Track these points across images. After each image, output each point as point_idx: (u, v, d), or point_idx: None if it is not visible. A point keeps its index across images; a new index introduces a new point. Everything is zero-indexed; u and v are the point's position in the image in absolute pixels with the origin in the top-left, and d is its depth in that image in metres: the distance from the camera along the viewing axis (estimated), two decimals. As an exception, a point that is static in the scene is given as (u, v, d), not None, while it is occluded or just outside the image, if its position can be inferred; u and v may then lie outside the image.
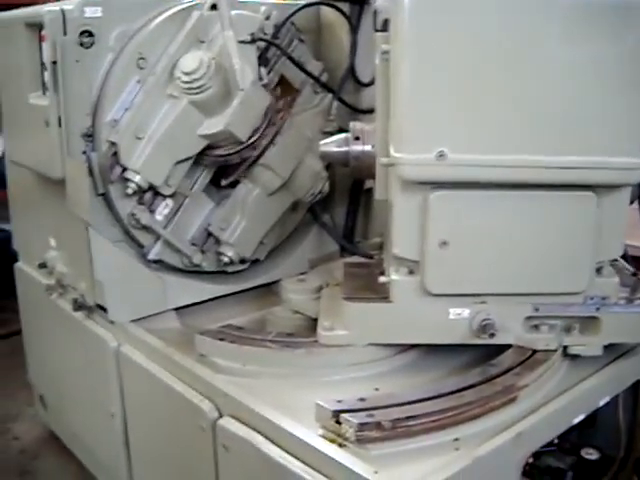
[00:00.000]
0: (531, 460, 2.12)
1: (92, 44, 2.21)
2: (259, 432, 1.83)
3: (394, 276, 1.98)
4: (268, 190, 2.49)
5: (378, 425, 1.68)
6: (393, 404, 1.76)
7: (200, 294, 2.51)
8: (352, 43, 2.62)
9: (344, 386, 1.96)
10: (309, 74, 2.53)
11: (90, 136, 2.25)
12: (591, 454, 2.21)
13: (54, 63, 2.19)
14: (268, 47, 2.42)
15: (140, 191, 2.27)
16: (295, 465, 1.71)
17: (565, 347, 2.05)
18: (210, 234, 2.48)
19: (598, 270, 1.99)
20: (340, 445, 1.69)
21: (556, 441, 2.18)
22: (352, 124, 2.20)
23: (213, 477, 2.00)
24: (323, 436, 1.73)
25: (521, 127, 1.80)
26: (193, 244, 2.46)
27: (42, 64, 2.35)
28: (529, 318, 2.01)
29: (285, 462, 1.73)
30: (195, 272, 2.50)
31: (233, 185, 2.51)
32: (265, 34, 2.39)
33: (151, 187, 2.29)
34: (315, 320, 2.23)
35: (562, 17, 1.72)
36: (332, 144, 2.19)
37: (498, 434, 1.75)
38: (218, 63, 2.23)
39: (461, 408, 1.78)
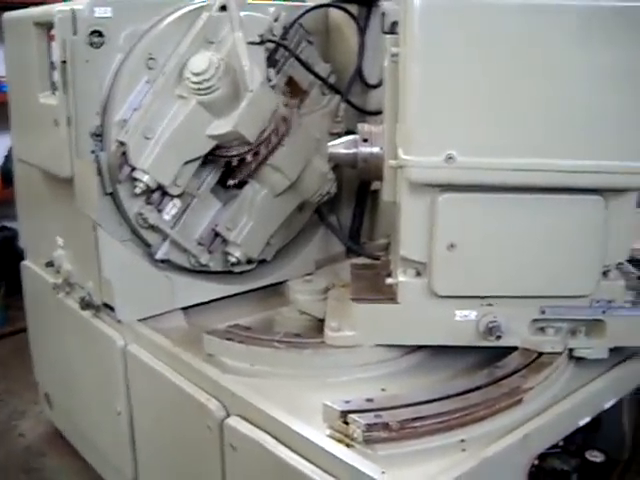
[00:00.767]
0: (536, 462, 2.12)
1: (102, 44, 2.22)
2: (267, 432, 1.84)
3: (401, 278, 1.99)
4: (276, 191, 2.50)
5: (386, 426, 1.69)
6: (400, 405, 1.77)
7: (207, 294, 2.52)
8: (360, 45, 2.63)
9: (351, 387, 1.96)
10: (317, 76, 2.54)
11: (99, 135, 2.27)
12: (596, 456, 2.21)
13: (64, 62, 2.20)
14: (277, 48, 2.43)
15: (148, 191, 2.28)
16: (303, 465, 1.72)
17: (570, 350, 2.05)
18: (217, 234, 2.49)
19: (604, 273, 1.99)
20: (348, 445, 1.70)
21: (561, 443, 2.19)
22: (360, 126, 2.21)
23: (219, 477, 2.00)
24: (331, 436, 1.73)
25: (531, 131, 1.79)
26: (200, 244, 2.46)
27: (51, 64, 2.36)
28: (535, 321, 2.01)
29: (293, 462, 1.73)
30: (202, 272, 2.51)
31: (240, 186, 2.52)
32: (274, 35, 2.40)
33: (159, 187, 2.29)
34: (322, 321, 2.24)
35: (577, 21, 1.72)
36: (340, 146, 2.19)
37: (504, 436, 1.76)
38: (227, 64, 2.24)
39: (468, 409, 1.78)
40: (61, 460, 3.10)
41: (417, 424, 1.72)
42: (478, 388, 1.87)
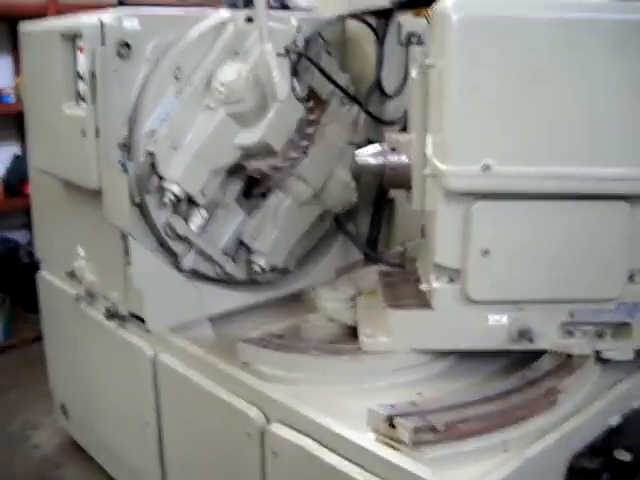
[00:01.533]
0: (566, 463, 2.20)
1: (129, 55, 2.25)
2: (310, 437, 1.88)
3: (435, 284, 2.04)
4: (299, 200, 2.55)
5: (432, 428, 1.74)
6: (444, 408, 1.82)
7: (233, 302, 2.57)
8: (378, 55, 2.67)
9: (387, 391, 2.01)
10: (338, 86, 2.58)
11: (127, 146, 2.30)
12: (624, 455, 2.28)
13: (92, 74, 2.24)
14: (299, 59, 2.48)
15: (176, 201, 2.31)
16: (350, 469, 1.76)
17: (597, 352, 2.12)
18: (242, 243, 2.53)
19: (630, 277, 2.06)
20: (395, 448, 1.75)
21: (589, 444, 2.27)
22: (387, 135, 2.26)
23: (259, 484, 2.06)
24: (377, 440, 1.79)
25: (562, 140, 1.86)
26: (225, 253, 2.51)
27: (77, 74, 2.40)
28: (564, 324, 2.06)
29: (339, 466, 1.78)
30: (227, 281, 2.55)
31: (263, 196, 2.56)
32: (296, 47, 2.45)
33: (187, 197, 2.33)
34: (351, 327, 2.29)
35: (606, 36, 1.79)
36: (370, 156, 2.25)
37: (543, 436, 1.82)
38: (255, 75, 2.29)
39: (508, 411, 1.84)
40: (79, 471, 3.11)
41: (462, 426, 1.77)
42: (515, 390, 1.93)
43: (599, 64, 1.81)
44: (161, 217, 2.35)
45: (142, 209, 2.34)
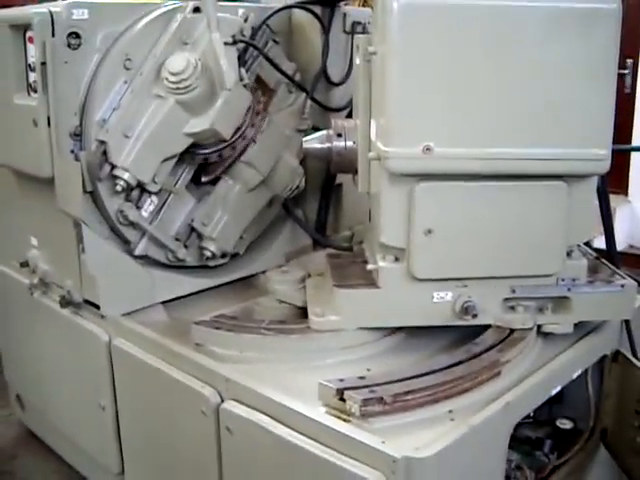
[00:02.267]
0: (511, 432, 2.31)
1: (79, 45, 2.31)
2: (263, 413, 1.95)
3: (381, 263, 2.13)
4: (248, 186, 2.62)
5: (380, 400, 1.83)
6: (391, 381, 1.91)
7: (185, 287, 2.63)
8: (324, 44, 2.76)
9: (337, 368, 2.09)
10: (285, 74, 2.66)
11: (78, 135, 2.35)
12: (565, 424, 2.40)
13: (43, 64, 2.28)
14: (246, 48, 2.54)
15: (128, 188, 2.36)
16: (303, 441, 1.84)
17: (539, 326, 2.23)
18: (193, 229, 2.59)
19: (569, 253, 2.17)
20: (345, 420, 1.83)
21: (532, 414, 2.38)
22: (334, 121, 2.35)
23: (215, 461, 2.11)
24: (328, 413, 1.87)
25: (500, 122, 1.97)
26: (177, 239, 2.57)
27: (27, 65, 2.43)
28: (507, 300, 2.18)
29: (293, 439, 1.86)
30: (179, 267, 2.61)
31: (213, 182, 2.63)
32: (244, 36, 2.52)
33: (138, 184, 2.38)
34: (300, 308, 2.38)
35: (538, 22, 1.91)
36: (315, 141, 2.34)
37: (488, 405, 1.91)
38: (204, 64, 2.35)
39: (453, 382, 1.94)
40: (36, 461, 3.15)
41: (408, 397, 1.86)
42: (460, 363, 2.02)
43: (531, 49, 1.93)
44: (113, 204, 2.41)
45: (94, 197, 2.40)
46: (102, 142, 2.33)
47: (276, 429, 1.91)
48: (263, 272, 2.69)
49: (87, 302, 2.54)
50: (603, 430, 2.48)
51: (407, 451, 1.70)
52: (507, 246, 2.10)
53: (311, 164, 2.77)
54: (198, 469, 2.21)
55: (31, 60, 2.39)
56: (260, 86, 2.66)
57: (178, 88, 2.34)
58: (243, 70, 2.50)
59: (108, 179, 2.36)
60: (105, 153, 2.33)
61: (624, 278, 2.27)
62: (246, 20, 2.53)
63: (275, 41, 2.67)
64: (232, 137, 2.49)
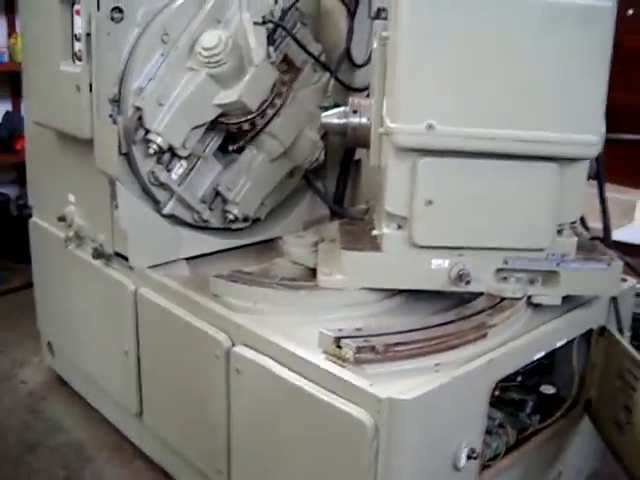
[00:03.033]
0: (498, 393, 2.54)
1: (122, 19, 2.56)
2: (269, 356, 2.22)
3: (385, 230, 2.36)
4: (271, 156, 2.88)
5: (373, 349, 2.06)
6: (385, 333, 2.15)
7: (208, 246, 2.90)
8: (349, 28, 3.01)
9: (339, 323, 2.30)
10: (310, 54, 2.91)
11: (117, 101, 2.62)
12: (548, 389, 2.64)
13: (88, 35, 2.54)
14: (275, 29, 2.80)
15: (160, 152, 2.63)
16: (303, 382, 2.10)
17: (529, 297, 2.44)
18: (218, 193, 2.86)
19: (559, 231, 2.39)
20: (340, 366, 2.07)
21: (520, 379, 2.61)
22: (351, 99, 2.58)
23: (224, 400, 2.37)
24: (326, 358, 2.12)
25: (499, 105, 2.17)
26: (203, 202, 2.84)
27: (73, 35, 2.70)
28: (499, 270, 2.39)
29: (294, 380, 2.12)
30: (203, 227, 2.88)
31: (239, 151, 2.89)
32: (273, 17, 2.77)
33: (169, 148, 2.65)
34: (312, 270, 2.61)
35: (538, 13, 2.11)
36: (333, 116, 2.57)
37: (472, 361, 2.16)
38: (234, 41, 2.61)
39: (441, 339, 2.17)
40: (63, 403, 3.45)
41: (399, 348, 2.10)
42: (450, 322, 2.26)
43: (530, 39, 2.13)
44: (146, 166, 2.67)
45: (129, 158, 2.66)
46: (138, 108, 2.59)
47: (279, 371, 2.16)
48: (281, 237, 2.94)
49: (117, 254, 2.81)
50: (587, 401, 2.70)
51: (392, 393, 1.93)
52: (501, 220, 2.32)
53: (332, 140, 3.02)
54: (208, 408, 2.47)
55: (77, 31, 2.64)
56: (287, 64, 2.92)
57: (210, 62, 2.59)
58: (271, 49, 2.75)
59: (142, 142, 2.63)
60: (140, 118, 2.59)
61: (613, 259, 2.50)
62: (276, 2, 2.78)
63: (303, 23, 2.92)
64: (258, 110, 2.74)
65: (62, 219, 3.04)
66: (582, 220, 2.73)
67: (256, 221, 3.01)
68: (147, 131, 2.61)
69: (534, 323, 2.42)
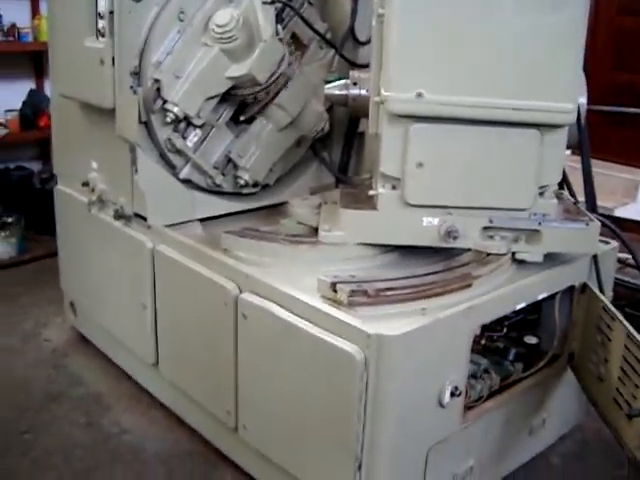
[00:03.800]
0: (484, 342, 2.83)
1: (142, -1, 2.88)
2: (273, 301, 2.52)
3: (380, 190, 2.64)
4: (279, 126, 3.18)
5: (365, 292, 2.36)
6: (376, 280, 2.45)
7: (221, 209, 3.21)
8: (353, 7, 3.28)
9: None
10: (317, 32, 3.21)
11: (137, 74, 2.92)
12: (531, 339, 2.92)
13: (111, 13, 2.85)
14: (283, 8, 3.09)
15: (176, 120, 2.92)
16: (302, 323, 2.40)
17: (513, 253, 2.71)
18: (230, 160, 3.16)
19: (541, 193, 2.66)
20: (336, 307, 2.36)
21: (505, 331, 2.90)
22: (351, 73, 2.89)
23: (232, 344, 2.68)
24: (323, 301, 2.42)
25: (483, 76, 2.45)
26: (216, 167, 3.14)
27: (97, 13, 2.99)
28: (485, 228, 2.65)
29: (295, 321, 2.42)
30: (216, 192, 3.19)
31: (249, 121, 3.19)
32: (281, -3, 3.07)
33: (185, 118, 2.94)
34: (316, 229, 2.88)
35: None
36: (335, 88, 2.88)
37: (455, 306, 2.44)
38: (245, 18, 2.90)
39: (429, 286, 2.46)
40: (85, 358, 3.79)
41: (389, 293, 2.38)
42: (438, 272, 2.55)
43: (511, 15, 2.41)
44: (163, 134, 2.98)
45: (148, 127, 2.97)
46: (157, 80, 2.88)
47: (282, 313, 2.47)
48: (288, 202, 3.22)
49: (137, 215, 3.12)
50: (570, 354, 2.98)
51: (380, 330, 2.23)
52: (486, 182, 2.59)
53: (337, 112, 3.32)
54: (218, 353, 2.78)
55: (100, 9, 2.93)
56: (295, 41, 3.21)
57: (222, 38, 2.88)
58: (280, 26, 3.04)
59: (160, 112, 2.93)
60: (159, 90, 2.89)
61: (592, 219, 2.77)
62: (285, -17, 3.09)
63: (310, 2, 3.23)
64: (267, 82, 3.04)
65: (86, 184, 3.35)
66: (569, 188, 3.02)
67: (265, 186, 3.32)
68: (165, 101, 2.90)
69: (517, 277, 2.69)
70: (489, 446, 2.79)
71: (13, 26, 5.21)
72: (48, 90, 5.37)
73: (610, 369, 2.69)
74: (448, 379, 2.43)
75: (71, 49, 3.18)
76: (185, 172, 3.07)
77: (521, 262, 2.74)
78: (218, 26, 2.88)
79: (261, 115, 3.17)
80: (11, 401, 3.42)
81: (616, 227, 3.01)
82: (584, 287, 2.91)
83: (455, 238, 2.63)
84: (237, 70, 2.95)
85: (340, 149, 3.49)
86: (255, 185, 3.24)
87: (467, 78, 2.47)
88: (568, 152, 2.87)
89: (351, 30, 3.32)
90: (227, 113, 3.12)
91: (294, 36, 3.21)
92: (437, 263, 2.66)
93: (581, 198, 3.05)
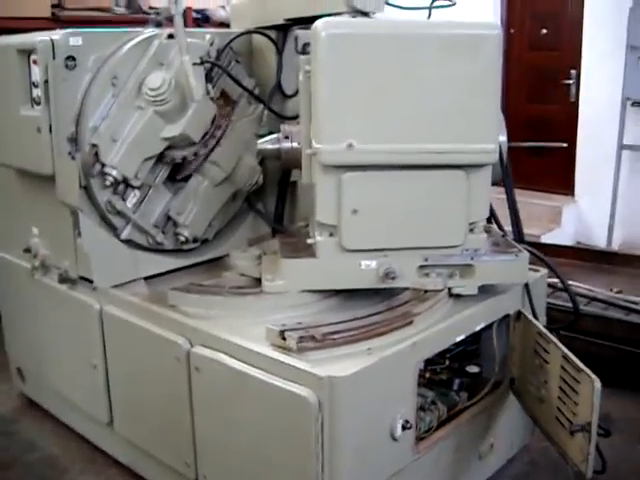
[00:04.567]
0: (428, 375, 2.98)
1: (75, 66, 2.96)
2: (224, 353, 2.63)
3: (318, 238, 2.78)
4: (215, 182, 3.31)
5: (312, 337, 2.49)
6: (322, 324, 2.58)
7: (163, 266, 3.31)
8: (278, 63, 3.43)
9: (284, 322, 2.74)
10: (245, 89, 3.34)
11: (74, 140, 3.01)
12: (473, 368, 3.08)
13: (45, 82, 2.94)
14: (212, 67, 3.23)
15: (116, 183, 3.02)
16: (255, 371, 2.52)
17: (450, 288, 2.88)
18: (169, 218, 3.27)
19: (471, 230, 2.83)
20: (285, 354, 2.49)
21: (447, 363, 3.05)
22: (282, 127, 3.03)
23: (187, 397, 2.78)
24: (272, 349, 2.54)
25: (407, 124, 2.63)
26: (156, 226, 3.24)
27: (31, 82, 3.09)
28: (421, 267, 2.82)
29: (247, 370, 2.54)
30: (158, 250, 3.29)
31: (185, 179, 3.31)
32: (209, 57, 3.19)
33: (124, 180, 3.04)
34: (258, 279, 3.00)
35: (434, 46, 2.59)
36: (267, 142, 3.02)
37: (399, 344, 2.59)
38: (177, 81, 3.03)
39: (372, 326, 2.60)
40: (35, 423, 3.82)
41: (335, 336, 2.52)
42: (379, 313, 2.70)
43: (430, 67, 2.60)
44: (103, 197, 3.07)
45: (87, 190, 3.05)
46: (94, 145, 2.98)
47: (234, 364, 2.59)
48: (229, 254, 3.34)
49: (82, 278, 3.20)
50: (512, 379, 3.15)
51: (330, 372, 2.36)
52: (419, 223, 2.76)
53: (269, 164, 3.45)
54: (173, 407, 2.88)
55: (34, 78, 3.04)
56: (224, 98, 3.34)
57: (156, 101, 3.00)
58: (209, 85, 3.18)
59: (99, 175, 3.02)
60: (97, 154, 2.98)
61: (521, 250, 2.95)
62: (212, 44, 3.21)
63: (237, 61, 3.36)
64: (200, 141, 3.17)
65: (28, 250, 3.42)
66: (496, 221, 3.21)
67: (205, 241, 3.43)
68: (103, 165, 3.00)
69: (455, 311, 2.86)
70: (441, 475, 2.93)
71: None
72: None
73: (550, 390, 2.87)
74: (399, 413, 2.57)
75: (6, 118, 3.26)
76: (126, 233, 3.17)
77: (457, 296, 2.91)
78: (151, 89, 3.01)
79: (197, 172, 3.29)
80: (-39, 472, 3.45)
81: (542, 254, 3.20)
82: (519, 315, 3.09)
83: (393, 278, 2.78)
84: (172, 130, 3.07)
85: (274, 199, 3.62)
86: (195, 240, 3.35)
87: (394, 126, 2.64)
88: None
89: (278, 84, 3.47)
90: (163, 172, 3.23)
91: (223, 93, 3.34)
92: (378, 304, 2.81)
93: (507, 227, 3.25)
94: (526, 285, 3.11)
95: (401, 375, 2.60)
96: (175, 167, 3.28)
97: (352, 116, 2.62)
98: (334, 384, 2.36)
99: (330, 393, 2.36)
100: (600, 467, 2.81)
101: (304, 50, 3.49)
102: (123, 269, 3.18)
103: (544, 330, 2.93)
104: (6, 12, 5.00)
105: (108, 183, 3.01)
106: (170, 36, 3.10)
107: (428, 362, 2.83)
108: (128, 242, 3.20)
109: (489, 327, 3.02)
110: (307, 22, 3.33)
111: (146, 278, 3.25)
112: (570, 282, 3.37)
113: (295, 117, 3.51)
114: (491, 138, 2.71)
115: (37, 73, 3.01)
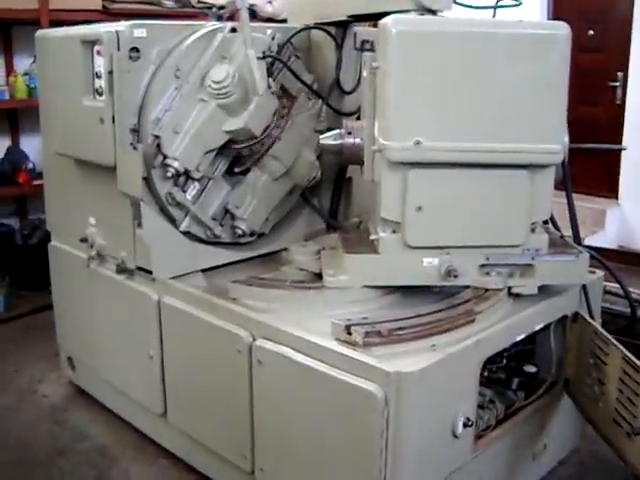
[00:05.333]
0: (487, 374, 3.00)
1: (139, 58, 3.01)
2: (287, 346, 2.66)
3: (381, 234, 2.81)
4: (274, 176, 3.35)
5: (379, 333, 2.51)
6: (388, 320, 2.60)
7: (220, 258, 3.35)
8: (338, 59, 3.48)
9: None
10: (305, 84, 3.37)
11: (136, 131, 3.06)
12: (530, 368, 3.09)
13: (110, 72, 3.00)
14: (273, 62, 3.26)
15: (177, 175, 3.07)
16: (319, 365, 2.55)
17: (509, 288, 2.89)
18: (227, 211, 3.31)
19: (532, 229, 2.85)
20: (351, 349, 2.52)
21: (505, 362, 3.07)
22: (344, 122, 3.05)
23: (247, 390, 2.81)
24: (338, 343, 2.56)
25: (475, 123, 2.67)
26: (214, 219, 3.28)
27: (94, 73, 3.13)
28: (482, 266, 2.84)
29: (312, 364, 2.56)
30: (215, 242, 3.32)
31: (244, 172, 3.35)
32: (271, 51, 3.23)
33: (185, 172, 3.08)
34: (316, 274, 3.05)
35: (502, 44, 2.62)
36: (329, 138, 3.04)
37: (463, 341, 2.61)
38: (240, 74, 3.07)
39: (436, 323, 2.62)
40: (85, 412, 3.88)
41: (401, 332, 2.55)
42: (442, 310, 2.72)
43: (498, 66, 2.63)
44: (164, 188, 3.11)
45: (148, 182, 3.10)
46: (156, 137, 3.03)
47: (298, 357, 2.61)
48: (284, 249, 3.36)
49: (139, 269, 3.25)
50: (566, 380, 3.16)
51: (398, 368, 2.39)
52: (482, 221, 2.78)
53: (326, 160, 3.48)
54: (232, 399, 2.91)
55: (97, 69, 3.10)
56: (284, 93, 3.38)
57: (219, 94, 3.05)
58: (271, 80, 3.21)
59: (160, 167, 3.07)
60: (159, 146, 3.03)
61: (580, 251, 2.97)
62: (273, 38, 3.25)
63: (297, 56, 3.40)
64: (261, 135, 3.20)
65: (84, 240, 3.47)
66: (554, 222, 3.22)
67: (261, 235, 3.46)
68: (165, 156, 3.04)
69: (515, 310, 2.88)
70: (498, 473, 2.96)
71: (-12, 84, 5.34)
72: (25, 146, 5.48)
73: (607, 391, 2.88)
74: (460, 410, 2.59)
75: (67, 108, 3.32)
76: (185, 224, 3.21)
77: (517, 295, 2.93)
78: (215, 82, 3.05)
79: (256, 166, 3.33)
80: (16, 459, 3.50)
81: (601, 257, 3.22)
82: (576, 316, 3.10)
83: (455, 276, 2.80)
84: (234, 124, 3.11)
85: (329, 195, 3.66)
86: (252, 234, 3.39)
87: (461, 124, 2.67)
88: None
89: (337, 80, 3.50)
90: (223, 165, 3.27)
91: (282, 88, 3.37)
92: (439, 301, 2.83)
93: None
94: (584, 286, 3.13)
95: (464, 372, 2.62)
96: (234, 160, 3.32)
97: (420, 113, 2.65)
98: (402, 379, 2.38)
99: (397, 388, 2.39)
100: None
101: (362, 46, 3.53)
102: (181, 261, 3.22)
103: (603, 331, 2.94)
104: (58, 4, 5.07)
105: (169, 175, 3.05)
106: (233, 30, 3.15)
107: (486, 361, 2.85)
108: (186, 234, 3.24)
109: (546, 327, 3.03)
110: (368, 19, 3.39)
111: (202, 271, 3.29)
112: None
113: (352, 113, 3.56)
114: (557, 139, 2.73)
115: (100, 64, 3.06)
